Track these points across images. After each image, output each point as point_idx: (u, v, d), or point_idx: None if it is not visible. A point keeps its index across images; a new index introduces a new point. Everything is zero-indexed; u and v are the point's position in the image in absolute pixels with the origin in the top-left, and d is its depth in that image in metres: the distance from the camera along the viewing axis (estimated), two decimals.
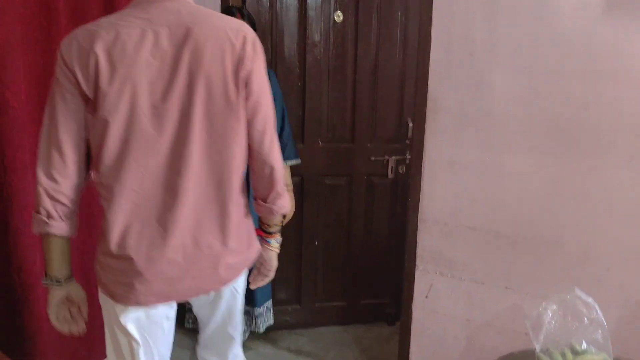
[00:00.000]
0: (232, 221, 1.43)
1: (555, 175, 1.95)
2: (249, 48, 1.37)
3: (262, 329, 2.61)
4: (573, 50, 1.85)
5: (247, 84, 1.38)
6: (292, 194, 2.64)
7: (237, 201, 1.45)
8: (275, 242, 1.69)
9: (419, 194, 2.19)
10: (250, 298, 2.56)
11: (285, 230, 2.76)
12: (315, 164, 2.88)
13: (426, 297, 2.26)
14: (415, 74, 2.12)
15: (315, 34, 2.75)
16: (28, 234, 1.91)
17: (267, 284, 2.56)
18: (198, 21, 1.34)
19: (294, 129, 2.77)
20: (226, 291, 1.57)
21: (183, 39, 1.31)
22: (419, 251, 2.23)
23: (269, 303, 2.64)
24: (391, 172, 2.93)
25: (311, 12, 2.73)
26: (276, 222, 1.66)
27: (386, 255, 3.03)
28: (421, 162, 2.16)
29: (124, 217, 1.33)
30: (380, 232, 3.03)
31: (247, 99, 1.39)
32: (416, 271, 2.25)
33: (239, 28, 1.39)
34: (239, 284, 1.61)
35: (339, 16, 2.76)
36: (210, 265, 1.43)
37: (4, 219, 1.87)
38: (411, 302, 2.28)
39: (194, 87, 1.31)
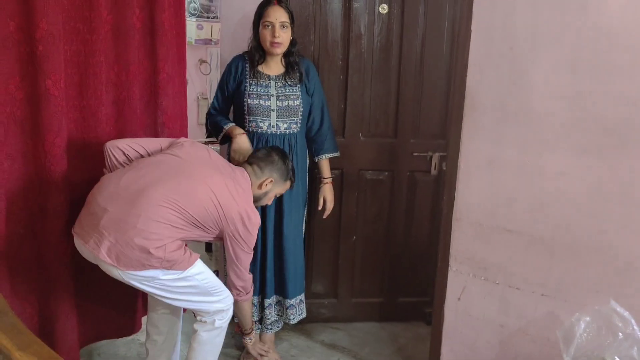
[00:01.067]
0: None
1: (599, 177, 1.83)
2: None
3: (293, 321, 2.62)
4: (619, 45, 1.72)
5: None
6: (331, 185, 2.63)
7: None
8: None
9: (454, 192, 2.12)
10: (282, 289, 2.57)
11: (324, 223, 2.77)
12: (356, 158, 2.84)
13: (459, 299, 2.18)
14: (452, 68, 2.04)
15: (360, 26, 2.71)
16: (64, 217, 2.00)
17: (301, 277, 2.59)
18: None
19: (336, 122, 2.75)
20: None
21: None
22: (452, 251, 2.16)
23: (302, 296, 2.65)
24: (434, 168, 2.86)
25: (356, 4, 2.68)
26: None
27: (426, 254, 2.96)
28: (457, 159, 2.09)
29: None
30: (421, 230, 2.96)
31: None
32: (449, 272, 2.19)
33: None
34: None
35: (384, 8, 2.70)
36: None
37: (44, 203, 1.96)
38: (443, 303, 2.22)
39: None
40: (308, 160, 2.60)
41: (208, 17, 6.13)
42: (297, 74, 2.41)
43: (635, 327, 1.55)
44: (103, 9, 2.03)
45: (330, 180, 2.62)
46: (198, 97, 5.23)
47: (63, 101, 1.91)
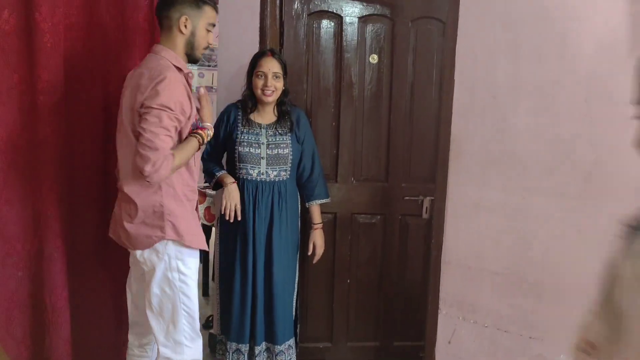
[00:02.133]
0: None
1: (581, 220, 1.89)
2: None
3: None
4: (597, 93, 1.81)
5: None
6: (321, 231, 2.67)
7: None
8: None
9: (442, 235, 2.16)
10: (271, 335, 2.57)
11: (318, 266, 2.80)
12: (349, 202, 2.90)
13: (449, 342, 2.20)
14: (440, 116, 2.12)
15: (351, 75, 2.81)
16: (60, 260, 2.05)
17: (290, 323, 2.58)
18: None
19: (328, 167, 2.82)
20: None
21: None
22: (442, 294, 2.19)
23: (292, 341, 2.64)
24: (426, 212, 2.90)
25: (347, 54, 2.79)
26: None
27: (420, 297, 2.96)
28: (444, 202, 2.15)
29: None
30: (414, 273, 2.98)
31: None
32: (439, 315, 2.21)
33: None
34: None
35: (374, 58, 2.81)
36: None
37: (41, 246, 2.01)
38: (434, 347, 2.23)
39: None
40: (300, 206, 2.65)
41: (209, 66, 6.31)
42: (288, 123, 2.49)
43: None
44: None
45: (320, 225, 2.66)
46: None
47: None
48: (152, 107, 1.79)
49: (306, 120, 2.59)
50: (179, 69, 1.93)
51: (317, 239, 2.65)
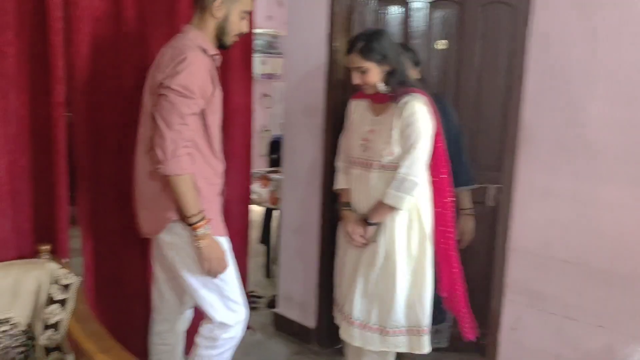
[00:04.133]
0: None
1: None
2: None
3: None
4: None
5: None
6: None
7: None
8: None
9: (508, 222, 2.16)
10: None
11: None
12: None
13: (513, 329, 2.20)
14: (508, 102, 2.11)
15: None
16: None
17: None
18: None
19: None
20: None
21: None
22: (507, 281, 2.19)
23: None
24: (491, 200, 2.88)
25: (415, 41, 2.80)
26: None
27: (482, 286, 2.95)
28: (510, 189, 2.14)
29: None
30: (477, 262, 2.96)
31: None
32: (504, 301, 2.21)
33: None
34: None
35: (442, 44, 2.80)
36: None
37: None
38: (497, 333, 2.24)
39: None
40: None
41: (272, 53, 6.43)
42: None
43: None
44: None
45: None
46: (261, 129, 5.45)
47: None
48: (170, 88, 1.76)
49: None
50: (205, 51, 1.89)
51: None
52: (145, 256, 2.27)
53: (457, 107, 2.84)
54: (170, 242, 1.94)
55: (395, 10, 2.79)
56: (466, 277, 2.98)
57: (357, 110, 2.34)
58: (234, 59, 2.55)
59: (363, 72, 2.16)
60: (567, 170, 2.01)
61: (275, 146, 4.54)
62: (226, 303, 2.01)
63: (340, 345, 2.70)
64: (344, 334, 2.32)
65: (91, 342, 1.63)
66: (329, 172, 2.79)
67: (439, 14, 2.81)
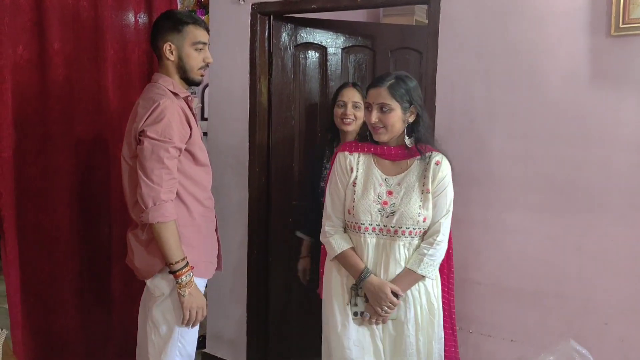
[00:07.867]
0: None
1: (553, 231, 2.09)
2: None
3: None
4: (563, 116, 2.03)
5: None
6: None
7: None
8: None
9: None
10: None
11: None
12: None
13: None
14: None
15: None
16: None
17: None
18: None
19: None
20: None
21: None
22: None
23: None
24: None
25: (331, 82, 2.98)
26: None
27: None
28: None
29: None
30: None
31: None
32: None
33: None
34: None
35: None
36: None
37: None
38: None
39: None
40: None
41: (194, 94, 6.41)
42: None
43: None
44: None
45: None
46: None
47: None
48: (146, 135, 1.81)
49: None
50: (176, 95, 1.94)
51: None
52: (80, 305, 2.22)
53: None
54: (159, 285, 1.92)
55: (312, 55, 2.96)
56: None
57: (361, 167, 2.01)
58: None
59: (385, 111, 1.89)
60: (478, 199, 2.21)
61: None
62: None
63: None
64: None
65: None
66: (255, 211, 2.87)
67: (353, 58, 3.01)
